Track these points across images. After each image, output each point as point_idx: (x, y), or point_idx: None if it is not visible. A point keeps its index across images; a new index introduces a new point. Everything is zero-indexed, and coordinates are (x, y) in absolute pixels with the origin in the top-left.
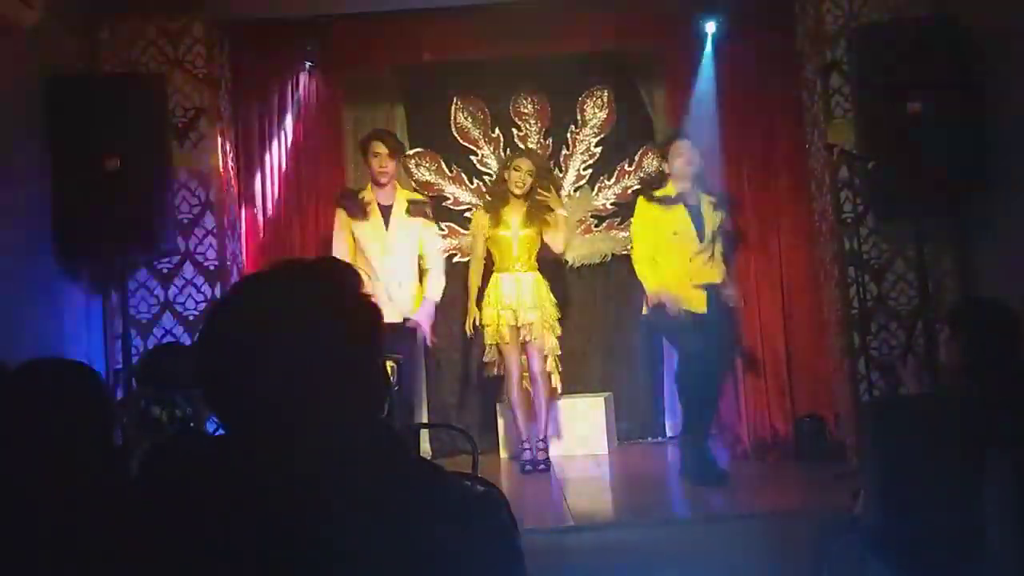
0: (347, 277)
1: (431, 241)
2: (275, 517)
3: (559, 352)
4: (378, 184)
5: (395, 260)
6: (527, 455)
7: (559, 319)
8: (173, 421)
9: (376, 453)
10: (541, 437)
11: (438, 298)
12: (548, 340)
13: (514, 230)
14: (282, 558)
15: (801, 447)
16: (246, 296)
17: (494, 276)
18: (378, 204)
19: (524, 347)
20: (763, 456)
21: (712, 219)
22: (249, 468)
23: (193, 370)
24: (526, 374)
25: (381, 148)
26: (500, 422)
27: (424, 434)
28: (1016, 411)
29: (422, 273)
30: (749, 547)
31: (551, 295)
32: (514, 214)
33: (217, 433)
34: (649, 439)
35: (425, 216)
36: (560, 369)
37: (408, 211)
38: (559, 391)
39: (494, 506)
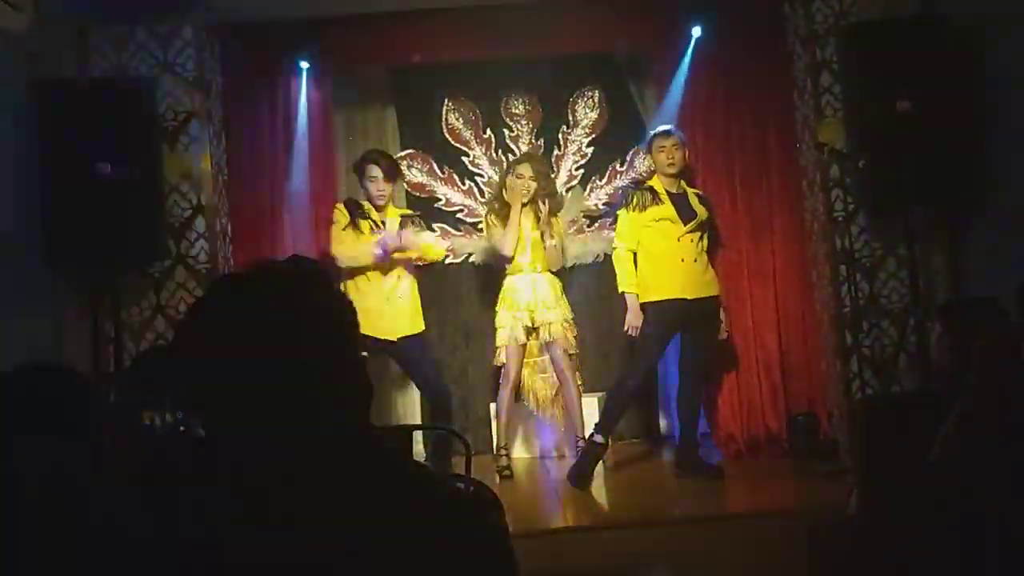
0: (319, 275)
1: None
2: (261, 521)
3: (577, 350)
4: (376, 207)
5: (382, 270)
6: (503, 460)
7: (572, 318)
8: (164, 426)
9: (363, 455)
10: (580, 435)
11: (413, 239)
12: (570, 339)
13: (526, 231)
14: (270, 561)
15: (794, 445)
16: (221, 298)
17: (508, 279)
18: (374, 220)
19: (548, 348)
20: (756, 454)
21: (700, 210)
22: (234, 472)
23: (173, 373)
24: (539, 378)
25: (377, 172)
26: (495, 423)
27: (417, 435)
28: (1009, 410)
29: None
30: (743, 546)
31: (564, 294)
32: (524, 217)
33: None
34: (644, 438)
35: (413, 224)
36: (579, 368)
37: (399, 226)
38: (582, 389)
39: (486, 507)
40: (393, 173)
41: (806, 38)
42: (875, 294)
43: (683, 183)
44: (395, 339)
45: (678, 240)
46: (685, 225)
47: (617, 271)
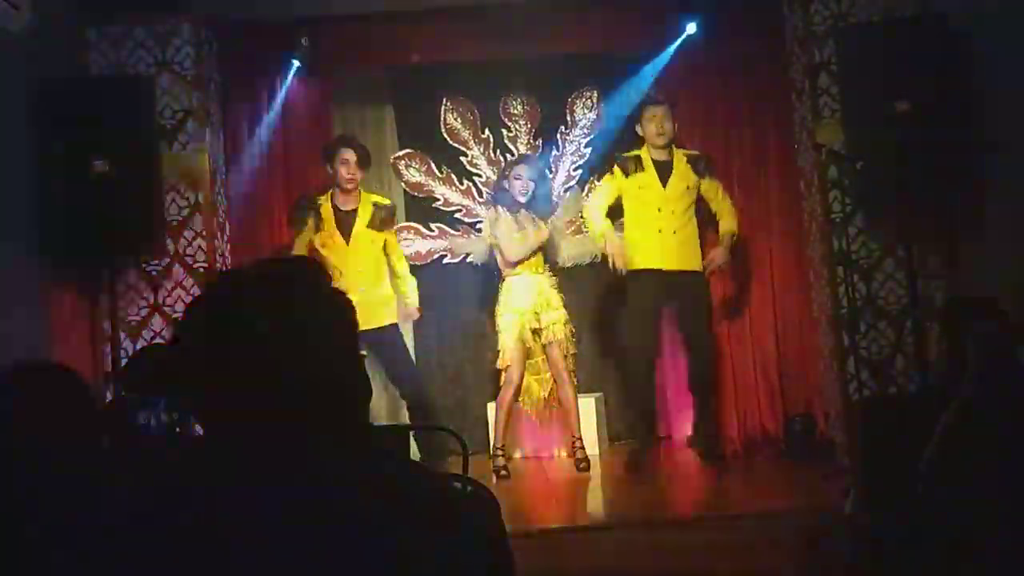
0: (320, 274)
1: (395, 248)
2: (259, 520)
3: (575, 350)
4: (344, 191)
5: (357, 265)
6: (499, 461)
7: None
8: (160, 425)
9: (360, 454)
10: (577, 435)
11: (414, 303)
12: (568, 339)
13: (530, 235)
14: (268, 560)
15: (792, 446)
16: (220, 297)
17: (508, 280)
18: (338, 209)
19: (546, 348)
20: (754, 455)
21: (686, 176)
22: (231, 471)
23: (170, 373)
24: (534, 379)
25: (351, 155)
26: (492, 423)
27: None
28: (1004, 409)
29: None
30: (740, 546)
31: (560, 294)
32: (524, 218)
33: (200, 436)
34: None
35: (388, 225)
36: (574, 368)
37: (371, 218)
38: (578, 389)
39: (483, 506)
40: (365, 160)
41: (804, 39)
42: (872, 295)
43: (674, 148)
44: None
45: (659, 210)
46: (664, 188)
47: (588, 227)
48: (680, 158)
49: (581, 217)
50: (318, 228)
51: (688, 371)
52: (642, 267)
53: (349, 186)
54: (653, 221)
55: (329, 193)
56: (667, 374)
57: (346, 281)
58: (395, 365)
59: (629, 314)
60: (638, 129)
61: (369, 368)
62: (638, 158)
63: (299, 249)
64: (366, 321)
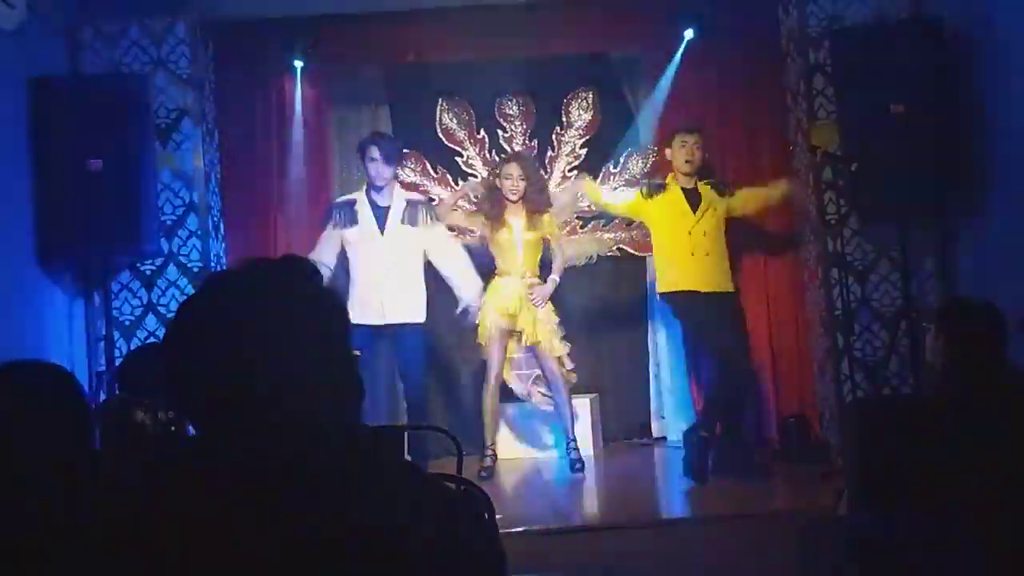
0: (311, 274)
1: (440, 244)
2: (251, 520)
3: (566, 352)
4: (375, 188)
5: (394, 262)
6: (487, 461)
7: (559, 322)
8: (155, 425)
9: (354, 453)
10: (572, 437)
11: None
12: (555, 344)
13: (517, 234)
14: (261, 560)
15: (786, 447)
16: (212, 296)
17: (495, 280)
18: (375, 205)
19: (537, 353)
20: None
21: (713, 201)
22: (226, 472)
23: (164, 372)
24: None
25: (377, 153)
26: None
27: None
28: (998, 411)
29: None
30: (734, 547)
31: (553, 300)
32: (515, 217)
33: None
34: (635, 440)
35: (425, 220)
36: (568, 368)
37: (405, 214)
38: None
39: (475, 506)
40: (393, 157)
41: (800, 41)
42: (867, 296)
43: (696, 180)
44: (382, 324)
45: (689, 233)
46: (695, 214)
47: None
48: (705, 187)
49: (576, 219)
50: (349, 225)
51: (713, 392)
52: (675, 289)
53: (378, 183)
54: (685, 244)
55: (364, 188)
56: (665, 377)
57: (380, 276)
58: (407, 365)
59: (693, 330)
60: (667, 154)
61: (379, 363)
62: (663, 184)
63: (326, 242)
64: (392, 315)
